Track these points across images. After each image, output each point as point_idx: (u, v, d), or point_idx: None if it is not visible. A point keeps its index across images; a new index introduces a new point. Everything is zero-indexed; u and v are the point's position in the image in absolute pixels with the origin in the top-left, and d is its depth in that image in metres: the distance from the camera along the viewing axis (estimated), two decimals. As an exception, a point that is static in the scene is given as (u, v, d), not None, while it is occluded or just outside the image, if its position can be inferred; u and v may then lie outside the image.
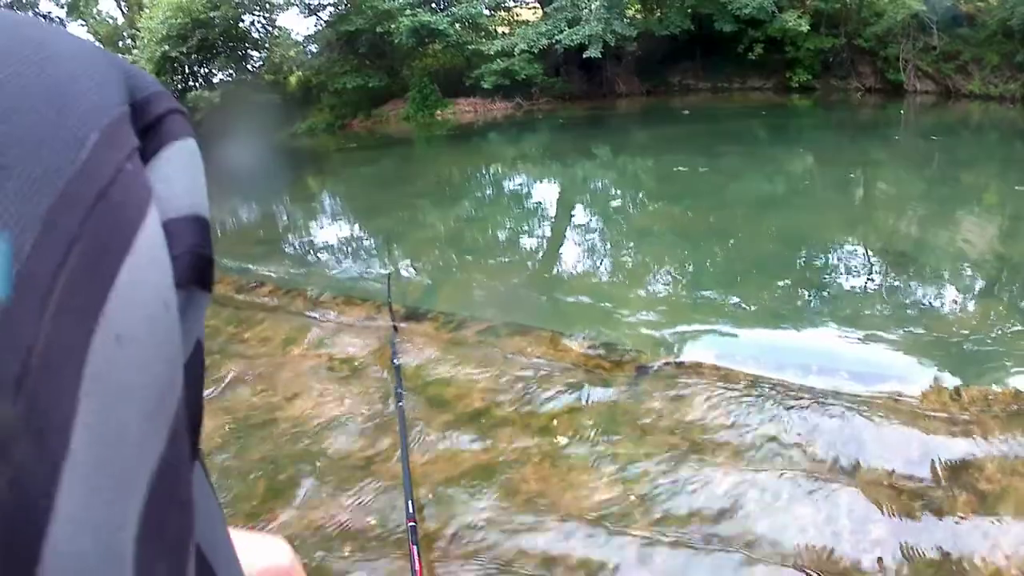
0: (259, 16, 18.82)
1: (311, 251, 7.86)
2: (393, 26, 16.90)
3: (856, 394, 3.23)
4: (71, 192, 0.19)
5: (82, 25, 23.17)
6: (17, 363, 0.16)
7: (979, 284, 5.40)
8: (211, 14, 16.65)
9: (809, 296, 5.07)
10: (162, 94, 0.25)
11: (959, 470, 2.65)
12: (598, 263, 6.68)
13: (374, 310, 4.71)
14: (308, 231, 9.03)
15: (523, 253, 7.12)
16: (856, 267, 5.80)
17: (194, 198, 0.25)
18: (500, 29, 19.54)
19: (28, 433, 0.16)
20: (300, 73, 19.44)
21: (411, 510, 2.32)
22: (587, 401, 3.27)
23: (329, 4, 18.83)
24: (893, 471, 2.65)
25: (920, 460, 2.71)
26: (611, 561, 2.27)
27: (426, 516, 2.52)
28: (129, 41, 21.25)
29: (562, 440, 2.96)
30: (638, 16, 19.20)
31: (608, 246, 7.22)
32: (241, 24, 18.29)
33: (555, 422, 3.11)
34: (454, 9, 17.66)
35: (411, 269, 6.76)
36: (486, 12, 18.86)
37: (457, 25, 17.64)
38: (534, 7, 20.20)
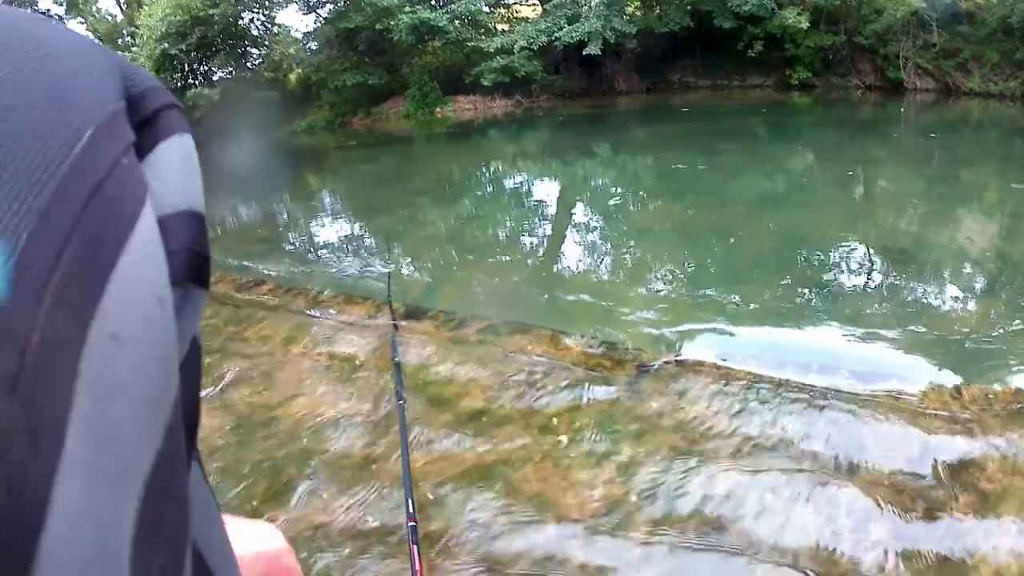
0: (258, 13, 18.80)
1: (311, 249, 7.85)
2: (392, 23, 16.88)
3: (856, 393, 3.23)
4: (66, 187, 0.18)
5: (81, 22, 23.15)
6: (14, 359, 0.16)
7: (979, 282, 5.40)
8: (210, 11, 16.63)
9: (809, 294, 5.06)
10: (158, 89, 0.25)
11: (960, 469, 2.65)
12: (598, 261, 6.67)
13: (374, 309, 4.71)
14: (308, 229, 9.02)
15: (523, 251, 7.12)
16: (856, 265, 5.80)
17: (190, 194, 0.25)
18: (500, 26, 19.52)
19: (24, 431, 0.16)
20: (300, 70, 19.43)
21: (411, 510, 2.31)
22: (587, 400, 3.27)
23: (328, 1, 18.81)
24: (894, 470, 2.65)
25: (921, 459, 2.71)
26: (612, 561, 2.27)
27: (426, 516, 2.52)
28: (128, 39, 21.24)
29: (563, 439, 2.96)
30: (638, 13, 19.19)
31: (608, 244, 7.22)
32: (240, 21, 18.26)
33: (555, 421, 3.11)
34: (453, 6, 17.64)
35: (411, 267, 6.76)
36: (485, 9, 18.85)
37: (456, 22, 17.63)
38: (534, 4, 20.19)
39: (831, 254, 6.12)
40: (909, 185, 9.30)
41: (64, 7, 23.05)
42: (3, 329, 0.16)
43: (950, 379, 3.48)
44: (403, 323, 4.34)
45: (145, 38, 17.45)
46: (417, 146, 16.21)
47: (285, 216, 10.20)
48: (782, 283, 5.27)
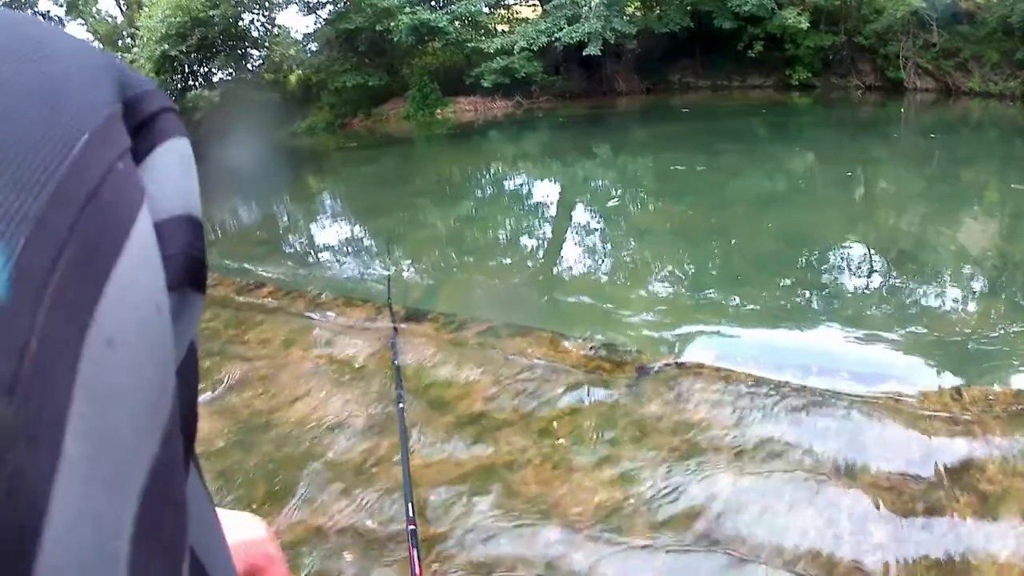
0: (258, 14, 18.81)
1: (311, 252, 7.86)
2: (392, 24, 16.88)
3: (857, 394, 3.23)
4: (64, 190, 0.18)
5: (81, 24, 23.13)
6: (12, 359, 0.16)
7: (979, 283, 5.40)
8: (210, 12, 16.63)
9: (809, 296, 5.06)
10: (154, 92, 0.25)
11: (960, 471, 2.65)
12: (598, 263, 6.67)
13: (374, 311, 4.71)
14: (308, 231, 9.02)
15: (523, 253, 7.12)
16: (856, 266, 5.80)
17: (187, 198, 0.25)
18: (500, 27, 19.52)
19: (23, 435, 0.16)
20: (300, 72, 19.43)
21: (411, 513, 2.31)
22: (588, 402, 3.27)
23: (328, 2, 18.82)
24: (894, 472, 2.64)
25: (921, 461, 2.71)
26: (612, 565, 2.27)
27: (426, 519, 2.52)
28: (129, 40, 21.24)
29: (563, 442, 2.96)
30: (637, 13, 19.19)
31: (608, 246, 7.22)
32: (240, 23, 18.26)
33: (555, 424, 3.10)
34: (453, 7, 17.63)
35: (411, 269, 6.76)
36: (485, 10, 18.85)
37: (456, 23, 17.63)
38: (534, 4, 20.19)
39: (831, 255, 6.12)
40: (909, 185, 9.30)
41: (64, 8, 23.05)
42: (2, 329, 0.16)
43: (950, 380, 3.48)
44: (403, 325, 4.34)
45: (145, 39, 17.45)
46: (417, 147, 16.22)
47: (285, 218, 10.21)
48: (782, 284, 5.27)
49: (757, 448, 2.83)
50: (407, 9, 16.83)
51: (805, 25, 16.35)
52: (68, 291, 0.18)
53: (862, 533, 2.35)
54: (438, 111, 18.16)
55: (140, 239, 0.21)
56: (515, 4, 20.49)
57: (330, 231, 8.92)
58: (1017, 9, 14.51)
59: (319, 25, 19.28)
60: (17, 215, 0.17)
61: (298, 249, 8.05)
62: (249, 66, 19.23)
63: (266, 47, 19.12)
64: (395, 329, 4.24)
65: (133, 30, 19.63)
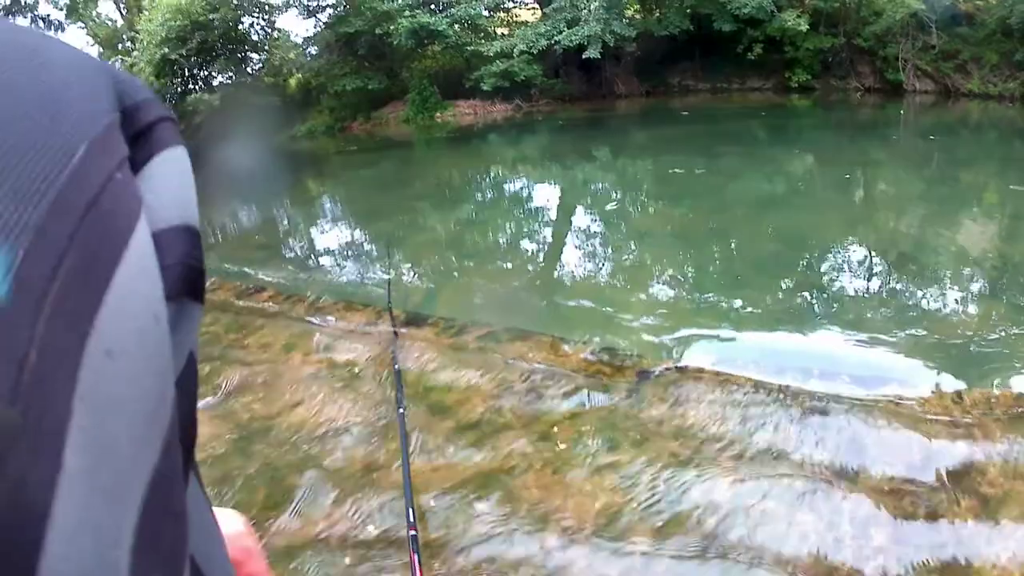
0: (258, 18, 18.81)
1: (311, 256, 7.86)
2: (392, 27, 16.89)
3: (857, 398, 3.23)
4: (64, 199, 0.19)
5: (81, 27, 23.14)
6: (13, 367, 0.16)
7: (980, 285, 5.39)
8: (210, 16, 16.63)
9: (809, 299, 5.06)
10: (152, 101, 0.25)
11: (961, 474, 2.65)
12: (598, 267, 6.67)
13: (374, 315, 4.71)
14: (308, 235, 9.02)
15: (523, 257, 7.12)
16: (856, 269, 5.80)
17: (184, 208, 0.25)
18: (499, 30, 19.53)
19: (24, 444, 0.16)
20: (299, 75, 19.42)
21: (412, 518, 2.31)
22: (588, 407, 3.27)
23: (328, 5, 18.82)
24: (895, 476, 2.64)
25: (922, 464, 2.70)
26: (613, 570, 2.26)
27: (427, 524, 2.52)
28: (128, 44, 21.24)
29: (563, 447, 2.96)
30: (637, 16, 19.19)
31: (608, 249, 7.22)
32: (240, 26, 18.26)
33: (556, 428, 3.10)
34: (453, 10, 17.63)
35: (411, 273, 6.76)
36: (485, 13, 18.84)
37: (456, 26, 17.63)
38: (533, 8, 20.20)
39: (831, 258, 6.12)
40: (909, 187, 9.30)
41: (64, 12, 23.08)
42: (3, 338, 0.16)
43: (951, 383, 3.47)
44: (403, 330, 4.34)
45: (145, 43, 17.45)
46: (417, 151, 16.22)
47: (285, 222, 10.20)
48: (782, 287, 5.27)
49: (758, 452, 2.83)
50: (407, 13, 16.84)
51: (804, 27, 16.35)
52: (68, 300, 0.18)
53: (863, 537, 2.35)
54: (438, 114, 18.15)
55: (138, 249, 0.21)
56: (514, 7, 20.51)
57: (330, 235, 8.92)
58: (1016, 10, 14.52)
59: (319, 29, 19.28)
60: (17, 224, 0.17)
61: (298, 253, 8.05)
62: (249, 70, 19.23)
63: (266, 51, 19.12)
64: (395, 333, 4.23)
65: (133, 34, 19.63)
